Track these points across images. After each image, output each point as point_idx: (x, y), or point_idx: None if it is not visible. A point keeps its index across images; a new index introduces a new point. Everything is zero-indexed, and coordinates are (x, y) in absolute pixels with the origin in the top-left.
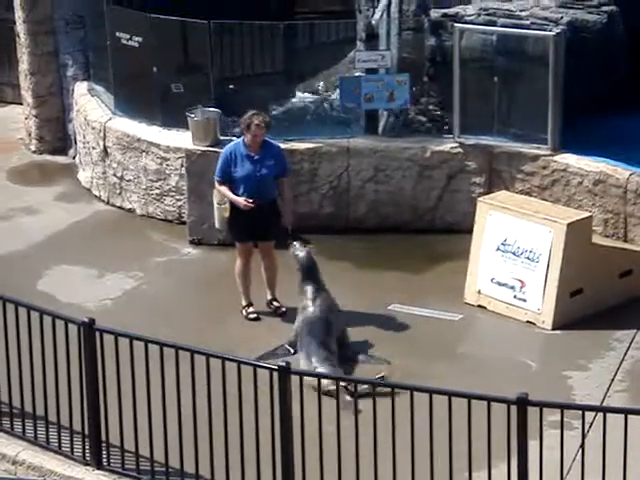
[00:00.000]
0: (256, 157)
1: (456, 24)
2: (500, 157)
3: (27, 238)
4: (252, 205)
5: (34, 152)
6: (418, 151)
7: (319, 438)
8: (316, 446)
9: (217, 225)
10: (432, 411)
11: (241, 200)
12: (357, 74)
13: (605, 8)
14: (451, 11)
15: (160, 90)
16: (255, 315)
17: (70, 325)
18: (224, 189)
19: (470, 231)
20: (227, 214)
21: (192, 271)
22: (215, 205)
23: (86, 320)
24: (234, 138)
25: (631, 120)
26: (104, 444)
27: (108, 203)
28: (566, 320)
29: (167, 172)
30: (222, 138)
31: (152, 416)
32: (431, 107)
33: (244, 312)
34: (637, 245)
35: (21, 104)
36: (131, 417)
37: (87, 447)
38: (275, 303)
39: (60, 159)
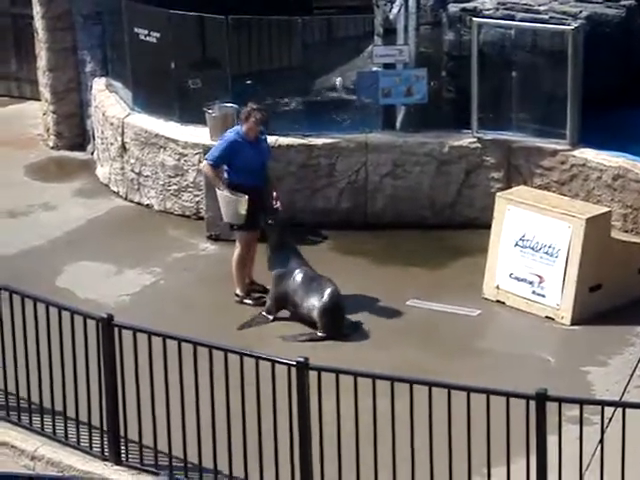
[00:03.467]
0: (254, 144)
1: (474, 18)
2: (518, 152)
3: (46, 234)
4: (245, 197)
5: (52, 148)
6: (436, 146)
7: (337, 433)
8: (334, 441)
9: (230, 219)
10: (450, 407)
11: (234, 196)
12: (375, 69)
13: (624, 2)
14: (469, 5)
15: (178, 86)
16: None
17: (89, 320)
18: (211, 173)
19: (488, 226)
20: (245, 206)
21: (210, 267)
22: (226, 199)
23: (104, 316)
24: None
25: None
26: (123, 440)
27: (126, 199)
28: (585, 315)
29: (185, 168)
30: None
31: (170, 411)
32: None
33: (249, 301)
34: None
35: (39, 100)
36: (149, 413)
37: (106, 443)
38: (255, 286)
39: (78, 155)
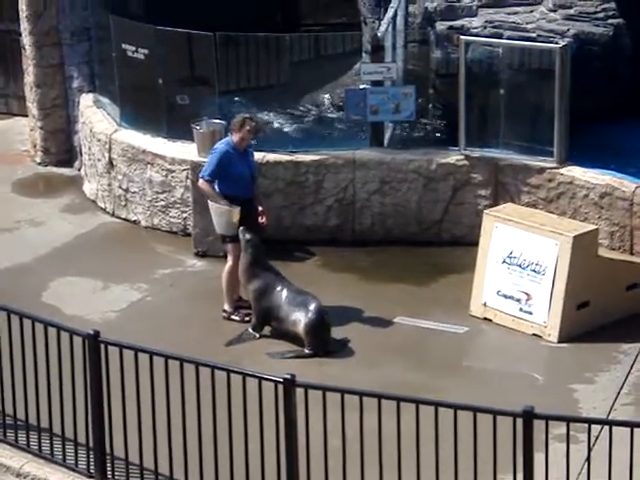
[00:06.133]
0: (243, 156)
1: (462, 36)
2: (506, 170)
3: (32, 250)
4: (237, 208)
5: (39, 164)
6: (424, 163)
7: (324, 450)
8: (321, 457)
9: (223, 230)
10: (438, 424)
11: (225, 208)
12: (363, 86)
13: (611, 21)
14: (457, 23)
15: (165, 102)
16: (239, 319)
17: (75, 337)
18: (210, 189)
19: (476, 243)
20: (237, 216)
21: (197, 283)
22: (218, 210)
23: (91, 332)
24: None
25: (637, 133)
26: (108, 456)
27: (113, 215)
28: (572, 333)
29: (172, 184)
30: None
31: (156, 428)
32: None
33: (236, 317)
34: None
35: (26, 116)
36: (135, 429)
37: (91, 459)
38: (242, 302)
39: (65, 171)
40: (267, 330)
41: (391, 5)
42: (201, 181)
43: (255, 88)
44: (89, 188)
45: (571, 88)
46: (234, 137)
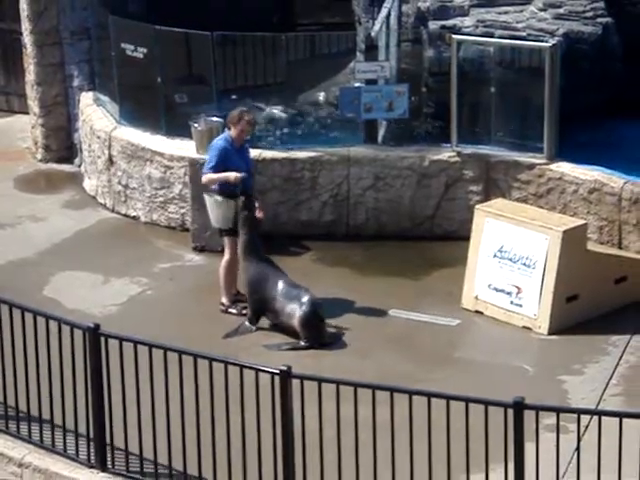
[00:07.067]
0: (241, 150)
1: (454, 36)
2: (497, 166)
3: (34, 245)
4: (243, 176)
5: (40, 161)
6: (417, 160)
7: (319, 440)
8: (317, 448)
9: (219, 224)
10: (430, 414)
11: (233, 175)
12: (357, 84)
13: (600, 20)
14: (449, 23)
15: (164, 100)
16: (237, 312)
17: (76, 330)
18: (214, 176)
19: (467, 238)
20: (233, 210)
21: (195, 277)
22: (215, 203)
23: (91, 325)
24: None
25: (626, 129)
26: (108, 447)
27: (113, 211)
28: (562, 325)
29: (171, 180)
30: None
31: (156, 419)
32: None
33: (234, 310)
34: (631, 252)
35: (28, 114)
36: (135, 420)
37: (92, 450)
38: (240, 296)
39: (66, 168)
40: (264, 323)
41: (385, 5)
42: (204, 177)
43: (252, 86)
44: (89, 184)
45: (560, 86)
46: (232, 131)
